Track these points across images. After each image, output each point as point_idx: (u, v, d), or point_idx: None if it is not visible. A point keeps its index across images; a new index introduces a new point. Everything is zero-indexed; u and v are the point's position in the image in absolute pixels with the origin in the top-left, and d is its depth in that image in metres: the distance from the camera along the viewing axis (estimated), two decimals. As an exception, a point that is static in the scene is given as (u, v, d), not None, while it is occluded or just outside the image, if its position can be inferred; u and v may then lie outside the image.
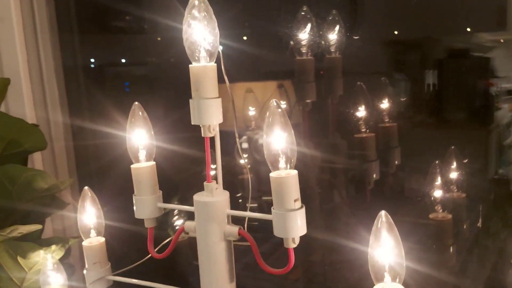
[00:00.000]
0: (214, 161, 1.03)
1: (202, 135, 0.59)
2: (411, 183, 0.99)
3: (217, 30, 0.57)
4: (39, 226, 0.78)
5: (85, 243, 0.73)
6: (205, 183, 0.61)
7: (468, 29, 1.39)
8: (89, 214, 0.73)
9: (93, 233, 0.74)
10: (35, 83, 1.03)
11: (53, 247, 0.82)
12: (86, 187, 0.73)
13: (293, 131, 0.55)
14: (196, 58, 0.57)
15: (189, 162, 1.06)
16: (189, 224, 0.62)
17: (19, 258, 0.80)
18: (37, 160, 1.04)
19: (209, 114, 0.58)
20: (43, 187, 0.79)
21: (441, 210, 0.76)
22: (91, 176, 1.18)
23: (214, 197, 0.60)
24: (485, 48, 1.33)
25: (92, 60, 1.17)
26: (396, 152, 0.88)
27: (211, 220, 0.60)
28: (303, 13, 0.83)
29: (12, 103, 1.02)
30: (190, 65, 0.57)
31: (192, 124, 0.59)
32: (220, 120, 0.59)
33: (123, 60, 1.28)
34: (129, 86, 1.32)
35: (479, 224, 0.91)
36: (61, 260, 0.88)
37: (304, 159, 0.94)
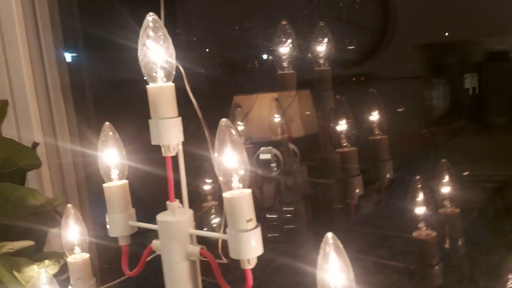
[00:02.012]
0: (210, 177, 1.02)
1: (163, 155, 0.59)
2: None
3: (172, 49, 0.57)
4: (30, 243, 0.81)
5: (69, 259, 0.75)
6: (167, 202, 0.61)
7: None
8: (72, 231, 0.75)
9: (77, 249, 0.76)
10: (42, 103, 1.08)
11: (47, 262, 0.84)
12: (69, 205, 0.75)
13: (245, 150, 0.54)
14: (153, 78, 0.58)
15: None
16: (156, 242, 0.62)
17: (15, 273, 0.83)
18: (45, 177, 1.08)
19: (168, 134, 0.58)
20: (36, 204, 0.82)
21: (424, 228, 0.72)
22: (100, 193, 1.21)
23: (176, 217, 0.60)
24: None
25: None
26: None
27: (173, 240, 0.60)
28: (282, 26, 0.82)
29: (20, 123, 1.06)
30: (147, 86, 0.58)
31: (152, 144, 0.59)
32: (181, 139, 0.59)
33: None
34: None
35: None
36: (65, 272, 0.91)
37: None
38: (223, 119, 0.54)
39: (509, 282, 0.70)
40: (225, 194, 0.54)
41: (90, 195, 1.18)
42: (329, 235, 0.48)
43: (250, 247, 0.53)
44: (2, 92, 1.07)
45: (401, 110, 1.06)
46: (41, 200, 0.82)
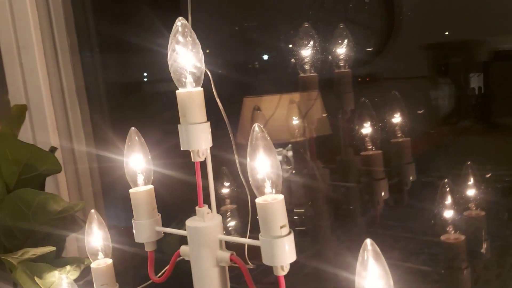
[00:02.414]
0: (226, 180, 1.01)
1: (192, 160, 0.59)
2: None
3: (201, 54, 0.57)
4: (52, 248, 0.81)
5: (93, 265, 0.75)
6: (197, 207, 0.60)
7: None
8: (96, 237, 0.75)
9: (100, 255, 0.75)
10: (58, 107, 1.07)
11: (68, 267, 0.84)
12: (92, 210, 0.75)
13: (276, 155, 0.53)
14: (183, 83, 0.57)
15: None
16: (184, 248, 0.62)
17: (36, 279, 0.83)
18: (61, 182, 1.08)
19: (197, 139, 0.57)
20: (57, 209, 0.82)
21: (453, 231, 0.72)
22: (117, 198, 1.21)
23: (205, 222, 0.59)
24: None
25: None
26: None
27: (203, 246, 0.59)
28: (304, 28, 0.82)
29: (36, 127, 1.06)
30: (176, 91, 0.58)
31: (182, 149, 0.59)
32: (210, 144, 0.59)
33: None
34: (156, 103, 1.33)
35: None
36: (83, 278, 0.90)
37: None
38: (256, 124, 0.53)
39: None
40: (258, 200, 0.53)
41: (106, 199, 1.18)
42: (368, 241, 0.48)
43: (284, 253, 0.53)
44: (18, 97, 1.06)
45: (421, 112, 1.05)
46: (63, 205, 0.81)
